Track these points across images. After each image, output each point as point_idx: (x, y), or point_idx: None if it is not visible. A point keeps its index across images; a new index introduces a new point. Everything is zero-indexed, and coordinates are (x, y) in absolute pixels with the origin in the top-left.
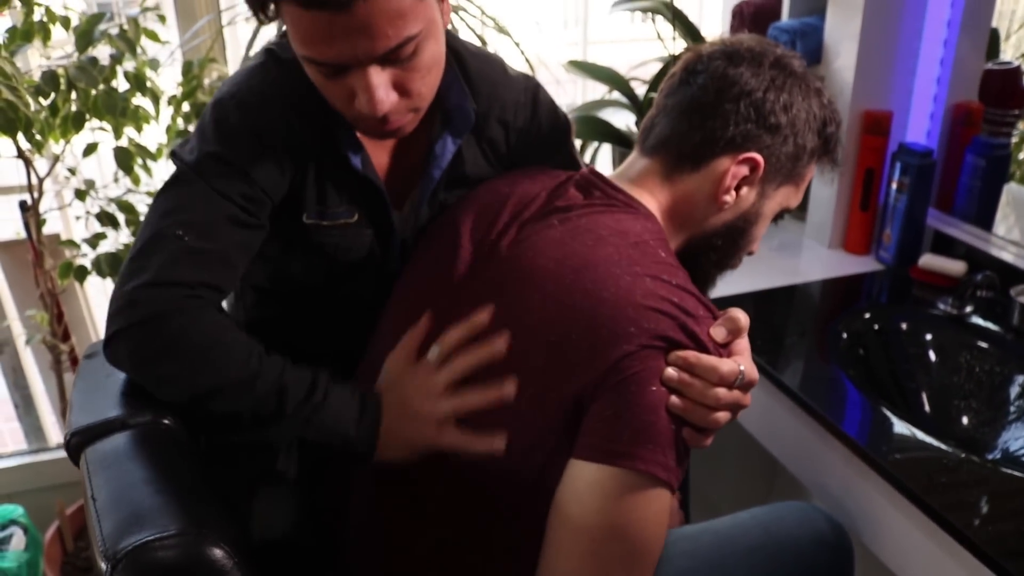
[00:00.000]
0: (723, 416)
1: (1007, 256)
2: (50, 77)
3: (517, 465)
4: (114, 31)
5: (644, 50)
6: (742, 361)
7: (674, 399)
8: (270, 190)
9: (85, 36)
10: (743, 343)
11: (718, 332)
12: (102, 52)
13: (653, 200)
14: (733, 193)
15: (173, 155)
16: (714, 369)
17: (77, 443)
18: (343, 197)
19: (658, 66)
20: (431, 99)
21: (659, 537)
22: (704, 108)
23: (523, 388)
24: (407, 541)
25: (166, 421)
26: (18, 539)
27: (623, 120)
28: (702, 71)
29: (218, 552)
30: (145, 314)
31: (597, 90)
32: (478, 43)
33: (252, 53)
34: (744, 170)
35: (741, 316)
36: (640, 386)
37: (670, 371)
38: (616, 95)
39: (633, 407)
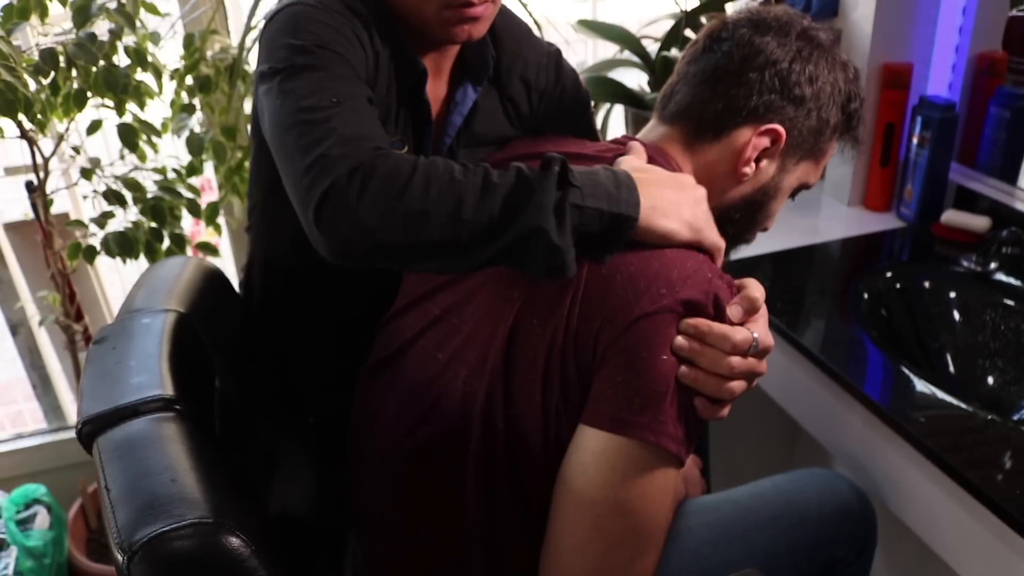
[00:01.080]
0: (738, 386)
1: None
2: (49, 55)
3: (532, 425)
4: (112, 5)
5: (655, 5)
6: (756, 328)
7: (684, 369)
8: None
9: (82, 12)
10: (762, 309)
11: (734, 311)
12: (101, 28)
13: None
14: (753, 165)
15: (269, 70)
16: (726, 337)
17: (89, 432)
18: (399, 124)
19: (670, 24)
20: None
21: (665, 514)
22: (728, 76)
23: (570, 324)
24: (414, 521)
25: (179, 406)
26: (42, 518)
27: (635, 80)
28: (727, 39)
29: (235, 541)
30: (350, 166)
31: (607, 50)
32: None
33: (254, 23)
34: (765, 141)
35: (756, 291)
36: (652, 352)
37: (680, 340)
38: (627, 54)
39: (643, 375)
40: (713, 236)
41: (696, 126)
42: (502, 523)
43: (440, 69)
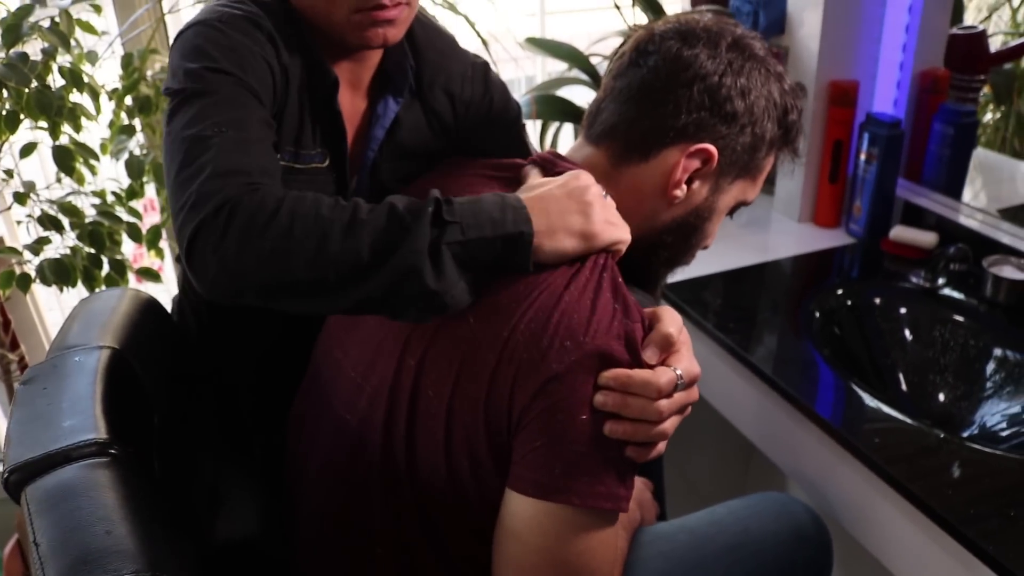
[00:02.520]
0: (670, 425)
1: (978, 225)
2: (20, 59)
3: (464, 470)
4: (45, 24)
5: (604, 20)
6: (679, 362)
7: (611, 426)
8: (268, 105)
9: (13, 31)
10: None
11: (650, 355)
12: (34, 47)
13: None
14: (684, 187)
15: (167, 91)
16: (649, 383)
17: (16, 480)
18: (316, 138)
19: (619, 40)
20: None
21: (612, 561)
22: (654, 93)
23: (473, 390)
24: (355, 551)
25: (114, 450)
26: None
27: (584, 98)
28: (653, 52)
29: None
30: (218, 203)
31: (556, 66)
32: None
33: None
34: (696, 163)
35: (670, 325)
36: (568, 415)
37: (600, 397)
38: (576, 72)
39: (562, 439)
40: (608, 235)
41: (623, 147)
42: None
43: (359, 80)
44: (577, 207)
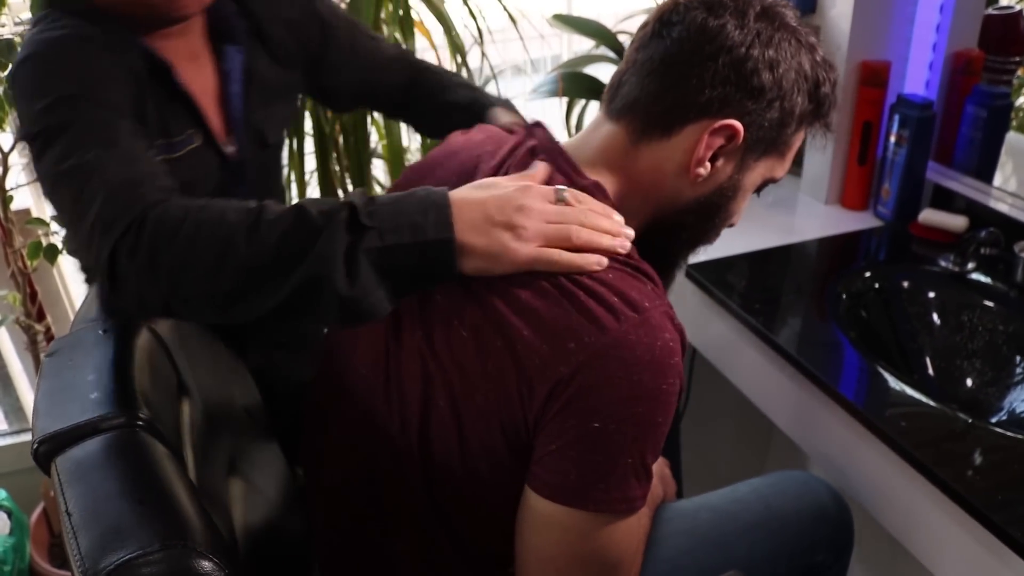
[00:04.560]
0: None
1: (1009, 209)
2: (7, 47)
3: (483, 470)
4: None
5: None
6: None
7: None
8: (129, 111)
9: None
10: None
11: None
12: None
13: (612, 177)
14: (707, 165)
15: (26, 137)
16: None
17: (46, 451)
18: (181, 121)
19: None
20: None
21: (632, 550)
22: (677, 65)
23: (491, 387)
24: (382, 539)
25: (141, 422)
26: (2, 523)
27: (611, 75)
28: (678, 22)
29: (207, 564)
30: (124, 224)
31: (582, 44)
32: (458, 0)
33: None
34: (720, 140)
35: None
36: (580, 421)
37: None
38: (603, 50)
39: (576, 445)
40: (532, 258)
41: (644, 122)
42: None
43: (194, 50)
44: (505, 220)
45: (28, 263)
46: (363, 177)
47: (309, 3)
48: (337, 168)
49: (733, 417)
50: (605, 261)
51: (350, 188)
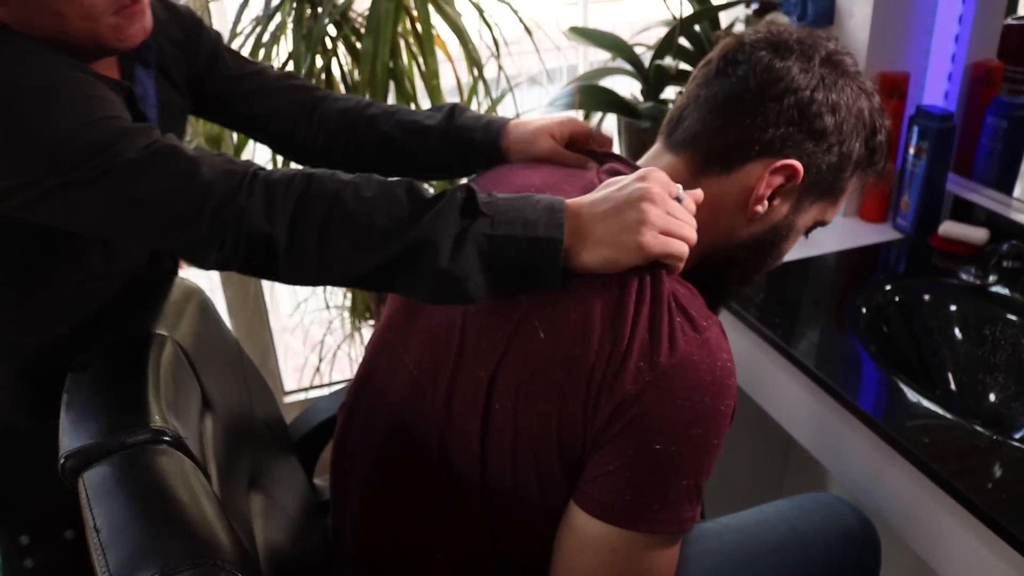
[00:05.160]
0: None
1: None
2: None
3: (532, 485)
4: None
5: (648, 12)
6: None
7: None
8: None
9: None
10: None
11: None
12: None
13: None
14: (765, 203)
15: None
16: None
17: (73, 467)
18: None
19: (663, 31)
20: None
21: (672, 572)
22: (742, 104)
23: (544, 407)
24: (411, 556)
25: (167, 437)
26: None
27: (628, 88)
28: (743, 61)
29: None
30: (235, 184)
31: (598, 55)
32: (474, 12)
33: (240, 28)
34: (780, 179)
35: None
36: (642, 442)
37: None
38: (620, 62)
39: (636, 466)
40: (658, 247)
41: (705, 157)
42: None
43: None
44: (633, 215)
45: None
46: None
47: (196, 24)
48: None
49: (752, 432)
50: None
51: None
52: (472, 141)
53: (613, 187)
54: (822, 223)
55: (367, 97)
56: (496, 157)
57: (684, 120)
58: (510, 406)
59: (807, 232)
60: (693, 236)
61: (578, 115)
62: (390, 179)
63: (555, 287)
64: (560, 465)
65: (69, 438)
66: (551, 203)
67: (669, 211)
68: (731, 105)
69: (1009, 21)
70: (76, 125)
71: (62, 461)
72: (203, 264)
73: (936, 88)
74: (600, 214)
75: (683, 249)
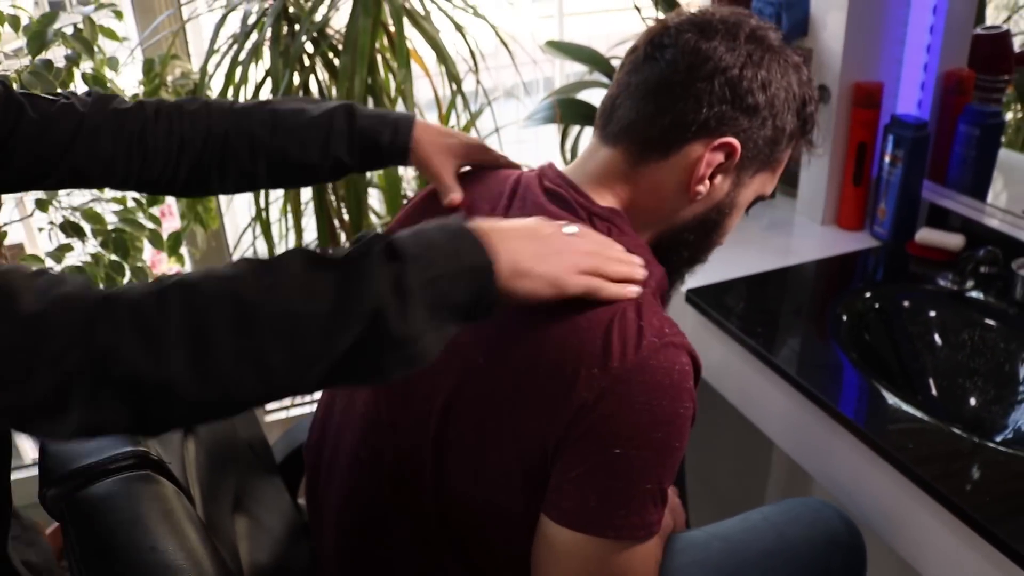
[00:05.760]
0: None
1: (1006, 227)
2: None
3: (498, 496)
4: (69, 31)
5: (623, 21)
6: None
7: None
8: None
9: (38, 38)
10: None
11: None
12: (56, 53)
13: (615, 199)
14: (707, 183)
15: None
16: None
17: (55, 495)
18: None
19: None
20: None
21: (651, 571)
22: (673, 87)
23: (507, 417)
24: (390, 566)
25: (151, 462)
26: None
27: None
28: (670, 45)
29: None
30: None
31: (574, 68)
32: (451, 27)
33: (217, 46)
34: (719, 157)
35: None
36: (601, 447)
37: None
38: (597, 75)
39: (597, 472)
40: (579, 284)
41: (641, 145)
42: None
43: None
44: (554, 248)
45: None
46: (360, 207)
47: None
48: (333, 197)
49: (735, 441)
50: (639, 289)
51: (346, 217)
52: (377, 145)
53: (506, 224)
54: (762, 197)
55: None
56: (398, 161)
57: (617, 110)
58: (472, 430)
59: (748, 207)
60: (612, 265)
61: (556, 132)
62: (276, 257)
63: (490, 314)
64: (522, 475)
65: (51, 463)
66: (454, 228)
67: (578, 249)
68: (663, 89)
69: (978, 31)
70: None
71: (43, 491)
72: (52, 436)
73: (909, 97)
74: (518, 242)
75: (606, 287)
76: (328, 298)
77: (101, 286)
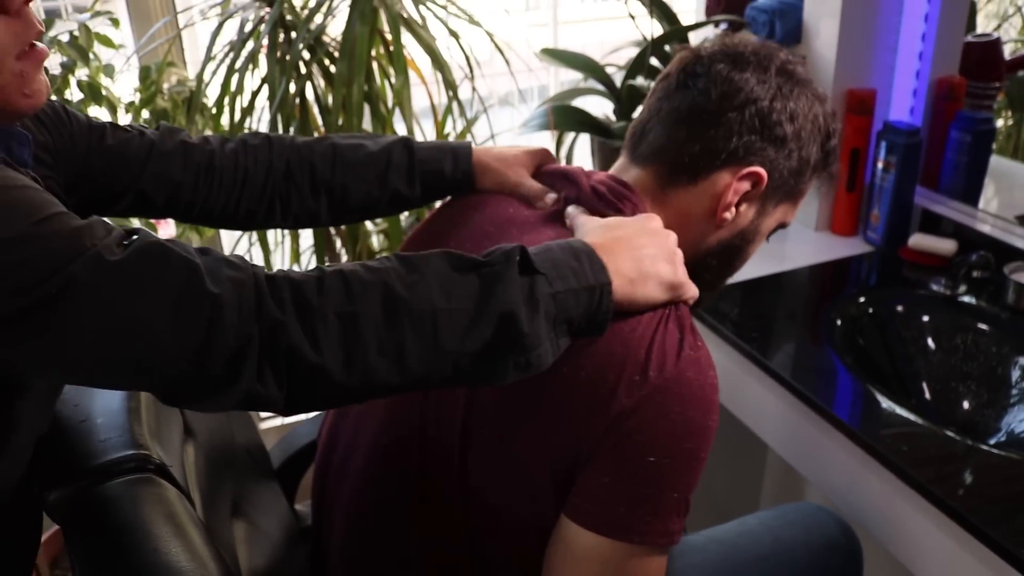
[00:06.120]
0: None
1: (996, 232)
2: None
3: (522, 500)
4: (64, 38)
5: (617, 29)
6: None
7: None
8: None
9: None
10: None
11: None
12: (51, 61)
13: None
14: (733, 210)
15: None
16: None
17: (57, 499)
18: None
19: (634, 51)
20: None
21: None
22: (705, 116)
23: (535, 427)
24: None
25: (152, 465)
26: None
27: (600, 108)
28: (702, 74)
29: None
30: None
31: (569, 75)
32: (447, 35)
33: (214, 53)
34: (746, 185)
35: None
36: (638, 454)
37: None
38: (592, 83)
39: (630, 479)
40: (689, 289)
41: (670, 169)
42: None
43: None
44: (664, 253)
45: None
46: (356, 228)
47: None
48: None
49: (731, 445)
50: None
51: (342, 226)
52: (441, 174)
53: (623, 227)
54: (783, 226)
55: (291, 132)
56: (465, 187)
57: (648, 134)
58: (499, 428)
59: (769, 235)
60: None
61: (551, 139)
62: (421, 254)
63: (601, 334)
64: (550, 484)
65: (51, 469)
66: (577, 248)
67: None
68: (694, 117)
69: (969, 39)
70: (20, 227)
71: (45, 491)
72: (212, 408)
73: (902, 104)
74: (631, 252)
75: (693, 290)
76: (469, 297)
77: None
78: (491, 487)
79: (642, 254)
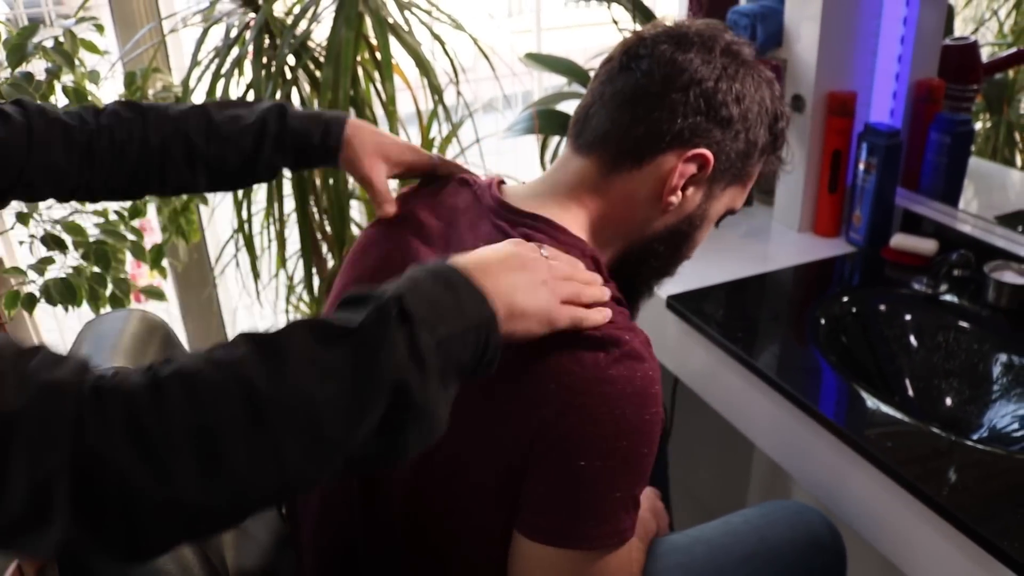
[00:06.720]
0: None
1: (976, 232)
2: None
3: (473, 514)
4: (49, 44)
5: (599, 36)
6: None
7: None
8: None
9: (18, 50)
10: None
11: None
12: (36, 66)
13: (583, 210)
14: (679, 194)
15: None
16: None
17: None
18: None
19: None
20: None
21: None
22: (648, 97)
23: (480, 434)
24: None
25: None
26: None
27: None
28: (645, 56)
29: None
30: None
31: (552, 81)
32: (430, 39)
33: (200, 58)
34: (692, 168)
35: None
36: (565, 461)
37: None
38: (575, 87)
39: (564, 486)
40: (567, 316)
41: (615, 154)
42: None
43: None
44: (538, 279)
45: (6, 313)
46: (343, 218)
47: None
48: (315, 209)
49: (716, 445)
50: (610, 313)
51: (328, 229)
52: (310, 145)
53: (487, 252)
54: (732, 211)
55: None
56: (332, 161)
57: (591, 119)
58: (443, 447)
59: (718, 221)
60: (588, 291)
61: (536, 143)
62: (278, 332)
63: (492, 372)
64: (495, 494)
65: None
66: (445, 273)
67: (557, 277)
68: (638, 99)
69: (947, 42)
70: None
71: None
72: (32, 552)
73: (882, 106)
74: (507, 280)
75: (589, 316)
76: (345, 377)
77: (84, 300)
78: (443, 504)
79: (514, 281)
